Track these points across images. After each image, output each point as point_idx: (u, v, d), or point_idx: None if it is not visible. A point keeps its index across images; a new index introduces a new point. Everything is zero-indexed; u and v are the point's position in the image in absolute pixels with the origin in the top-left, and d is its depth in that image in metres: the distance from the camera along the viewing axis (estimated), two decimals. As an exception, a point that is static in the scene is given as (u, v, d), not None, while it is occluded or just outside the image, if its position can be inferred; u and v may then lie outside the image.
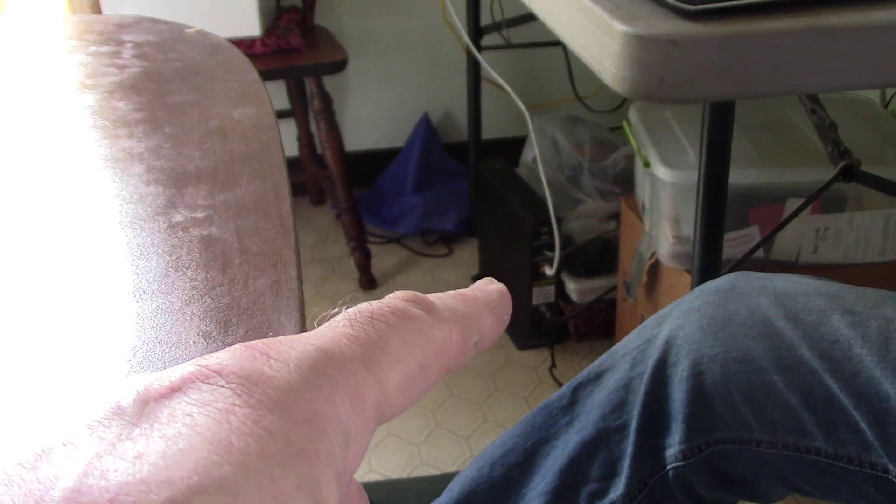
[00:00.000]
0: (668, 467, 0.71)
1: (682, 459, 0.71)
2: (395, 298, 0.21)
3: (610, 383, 0.75)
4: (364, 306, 0.21)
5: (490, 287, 0.24)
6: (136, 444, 0.16)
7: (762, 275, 0.75)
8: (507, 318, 0.24)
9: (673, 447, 0.71)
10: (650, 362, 0.73)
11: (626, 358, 0.76)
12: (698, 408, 0.70)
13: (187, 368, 0.18)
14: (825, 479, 0.68)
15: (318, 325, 0.20)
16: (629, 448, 0.73)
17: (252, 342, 0.19)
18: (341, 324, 0.20)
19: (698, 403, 0.70)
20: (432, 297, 0.22)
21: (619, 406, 0.74)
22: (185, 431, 0.16)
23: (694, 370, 0.71)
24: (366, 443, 0.19)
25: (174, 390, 0.17)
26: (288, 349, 0.19)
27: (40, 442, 0.16)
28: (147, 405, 0.17)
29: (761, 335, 0.69)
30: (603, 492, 0.73)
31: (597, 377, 0.77)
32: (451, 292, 0.23)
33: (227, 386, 0.17)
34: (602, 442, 0.74)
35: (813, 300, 0.69)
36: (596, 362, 0.79)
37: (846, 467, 0.65)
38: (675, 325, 0.74)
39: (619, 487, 0.73)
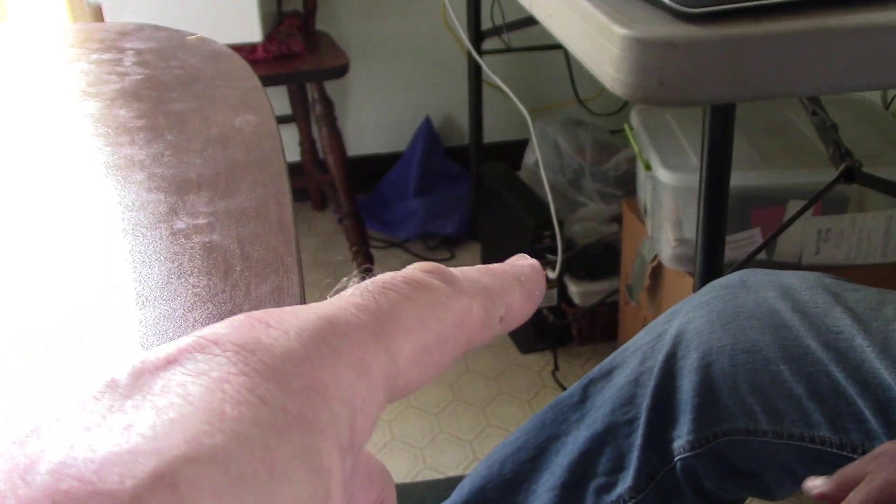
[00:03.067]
0: (676, 458, 0.72)
1: (690, 450, 0.71)
2: (412, 269, 0.20)
3: (620, 379, 0.76)
4: (378, 277, 0.20)
5: (521, 262, 0.23)
6: (127, 416, 0.15)
7: (769, 271, 0.77)
8: (539, 294, 0.23)
9: (681, 438, 0.72)
10: (660, 356, 0.74)
11: (636, 354, 0.77)
12: (706, 398, 0.71)
13: (185, 340, 0.17)
14: (830, 471, 0.68)
15: (330, 297, 0.20)
16: (637, 441, 0.73)
17: (253, 312, 0.18)
18: (351, 294, 0.19)
19: (706, 394, 0.71)
20: (455, 270, 0.21)
21: (629, 400, 0.75)
22: (177, 401, 0.16)
23: (703, 361, 0.71)
24: (375, 414, 0.18)
25: (170, 362, 0.17)
26: (290, 318, 0.18)
27: (34, 420, 0.16)
28: (141, 378, 0.16)
29: (768, 326, 0.70)
30: (611, 485, 0.74)
31: (608, 373, 0.78)
32: (478, 266, 0.22)
33: (223, 355, 0.17)
34: (611, 436, 0.75)
35: (818, 294, 0.71)
36: (607, 359, 0.80)
37: (850, 456, 0.66)
38: (685, 320, 0.75)
39: (626, 481, 0.73)
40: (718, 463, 0.72)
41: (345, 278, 0.20)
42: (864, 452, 0.65)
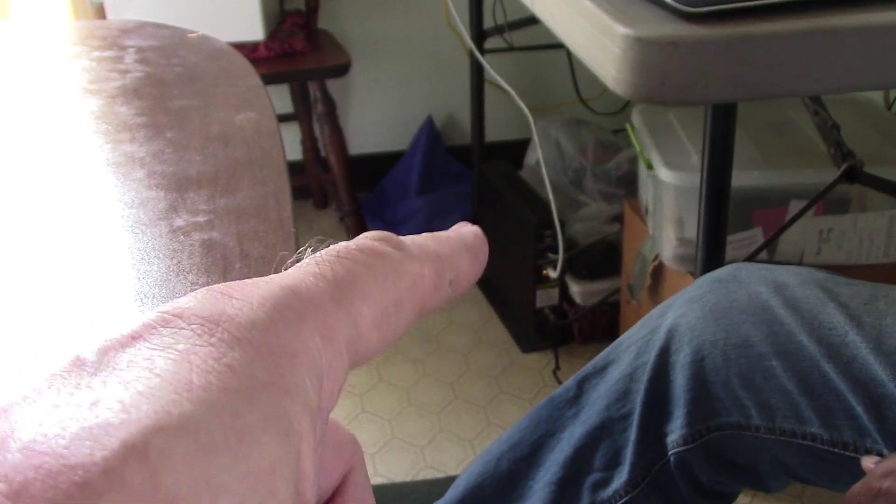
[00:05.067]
0: (670, 453, 0.72)
1: (683, 444, 0.72)
2: (363, 238, 0.21)
3: (614, 374, 0.76)
4: (332, 247, 0.20)
5: (464, 229, 0.24)
6: (95, 392, 0.15)
7: (762, 266, 0.77)
8: (483, 259, 0.24)
9: (674, 433, 0.72)
10: (653, 351, 0.74)
11: (630, 349, 0.77)
12: (699, 393, 0.72)
13: (148, 315, 0.17)
14: (822, 466, 0.69)
15: (285, 269, 0.20)
16: (632, 436, 0.74)
17: (215, 285, 0.18)
18: (307, 263, 0.20)
19: (699, 389, 0.72)
20: (405, 238, 0.22)
21: (623, 395, 0.75)
22: (144, 375, 0.16)
23: (696, 356, 0.72)
24: (341, 378, 0.19)
25: (135, 338, 0.17)
26: (252, 289, 0.18)
27: (1, 400, 0.16)
28: (107, 355, 0.16)
29: (761, 321, 0.71)
30: (606, 481, 0.74)
31: (602, 369, 0.78)
32: (424, 234, 0.23)
33: (188, 328, 0.17)
34: (606, 431, 0.75)
35: (811, 290, 0.71)
36: (601, 355, 0.80)
37: (842, 453, 0.66)
38: (678, 314, 0.75)
39: (622, 476, 0.74)
40: (712, 457, 0.72)
41: (300, 249, 0.21)
42: (855, 450, 0.66)
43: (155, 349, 0.16)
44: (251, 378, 0.16)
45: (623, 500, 0.74)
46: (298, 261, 0.20)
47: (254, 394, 0.16)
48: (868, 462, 0.60)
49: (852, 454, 0.66)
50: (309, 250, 0.21)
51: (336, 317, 0.19)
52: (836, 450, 0.66)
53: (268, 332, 0.17)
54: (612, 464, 0.74)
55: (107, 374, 0.16)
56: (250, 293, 0.18)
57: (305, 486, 0.17)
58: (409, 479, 1.50)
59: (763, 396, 0.69)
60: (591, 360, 0.81)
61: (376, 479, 1.50)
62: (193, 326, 0.17)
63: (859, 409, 0.65)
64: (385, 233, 0.22)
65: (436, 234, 0.23)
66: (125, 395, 0.15)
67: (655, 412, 0.73)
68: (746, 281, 0.74)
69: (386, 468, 1.52)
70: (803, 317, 0.69)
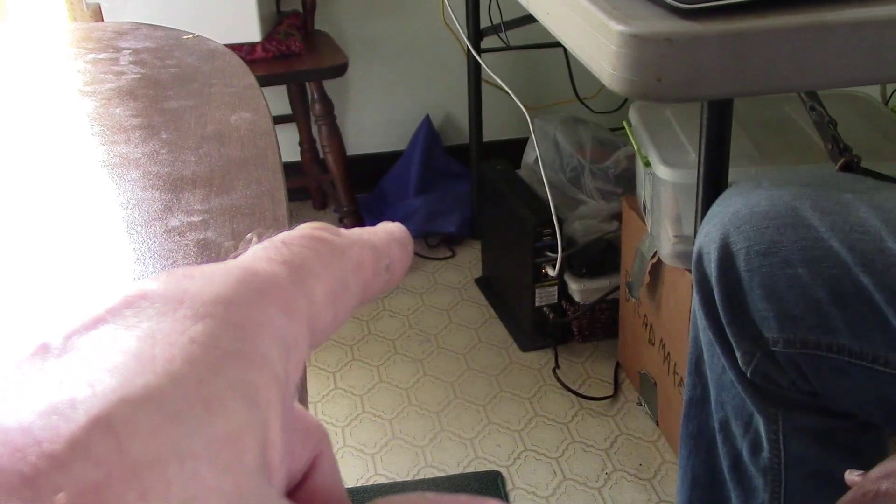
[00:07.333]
0: (750, 378, 0.70)
1: (749, 377, 0.69)
2: (303, 227, 0.22)
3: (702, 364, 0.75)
4: (276, 236, 0.21)
5: (389, 224, 0.26)
6: (60, 372, 0.16)
7: (784, 168, 0.71)
8: (411, 249, 0.25)
9: (738, 367, 0.69)
10: (694, 296, 0.71)
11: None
12: (739, 317, 0.68)
13: (112, 299, 0.18)
14: (842, 380, 0.65)
15: (233, 258, 0.21)
16: (738, 391, 0.71)
17: (175, 268, 0.19)
18: (257, 250, 0.21)
19: (737, 311, 0.68)
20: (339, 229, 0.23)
21: (695, 369, 0.74)
22: (109, 352, 0.16)
23: (720, 268, 0.68)
24: (304, 354, 0.20)
25: (99, 321, 0.17)
26: (212, 270, 0.19)
27: None
28: (72, 339, 0.17)
29: (787, 225, 0.66)
30: (757, 444, 0.72)
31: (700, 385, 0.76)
32: (355, 228, 0.24)
33: (151, 307, 0.17)
34: (720, 400, 0.73)
35: (840, 190, 0.66)
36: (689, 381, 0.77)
37: (871, 367, 0.62)
38: (703, 238, 0.71)
39: (759, 425, 0.71)
40: (777, 368, 0.69)
41: (248, 236, 0.22)
42: (886, 364, 0.61)
43: (119, 329, 0.17)
44: (216, 349, 0.17)
45: (775, 471, 0.71)
46: (245, 251, 0.21)
47: (219, 363, 0.17)
48: (851, 475, 0.56)
49: (882, 367, 0.62)
50: (255, 239, 0.21)
51: (295, 295, 0.20)
52: (865, 363, 0.62)
53: (232, 305, 0.18)
54: (748, 427, 0.71)
55: (72, 356, 0.16)
56: (211, 273, 0.19)
57: (273, 454, 0.17)
58: (409, 478, 1.50)
59: (786, 306, 0.65)
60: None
61: (376, 479, 1.50)
62: (157, 305, 0.17)
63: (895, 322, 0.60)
64: (323, 223, 0.23)
65: (365, 228, 0.24)
66: (90, 372, 0.16)
67: (725, 350, 0.69)
68: (767, 185, 0.69)
69: (386, 468, 1.52)
70: (833, 219, 0.64)
